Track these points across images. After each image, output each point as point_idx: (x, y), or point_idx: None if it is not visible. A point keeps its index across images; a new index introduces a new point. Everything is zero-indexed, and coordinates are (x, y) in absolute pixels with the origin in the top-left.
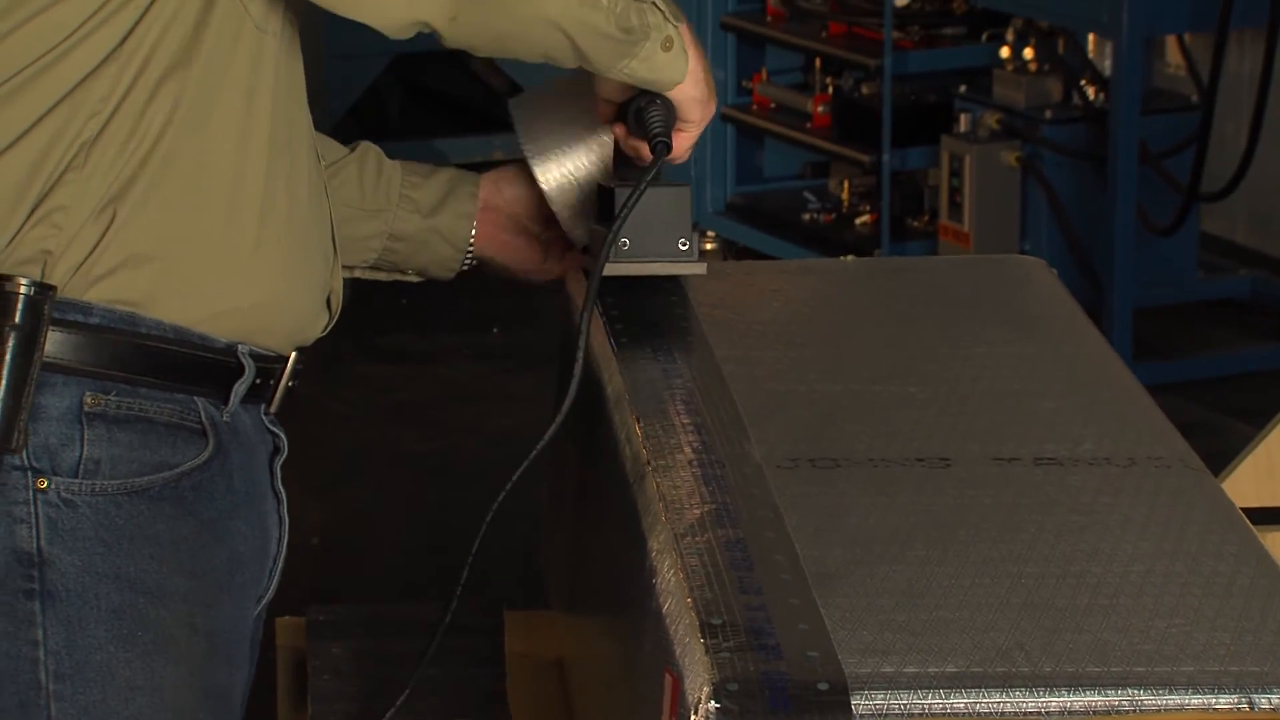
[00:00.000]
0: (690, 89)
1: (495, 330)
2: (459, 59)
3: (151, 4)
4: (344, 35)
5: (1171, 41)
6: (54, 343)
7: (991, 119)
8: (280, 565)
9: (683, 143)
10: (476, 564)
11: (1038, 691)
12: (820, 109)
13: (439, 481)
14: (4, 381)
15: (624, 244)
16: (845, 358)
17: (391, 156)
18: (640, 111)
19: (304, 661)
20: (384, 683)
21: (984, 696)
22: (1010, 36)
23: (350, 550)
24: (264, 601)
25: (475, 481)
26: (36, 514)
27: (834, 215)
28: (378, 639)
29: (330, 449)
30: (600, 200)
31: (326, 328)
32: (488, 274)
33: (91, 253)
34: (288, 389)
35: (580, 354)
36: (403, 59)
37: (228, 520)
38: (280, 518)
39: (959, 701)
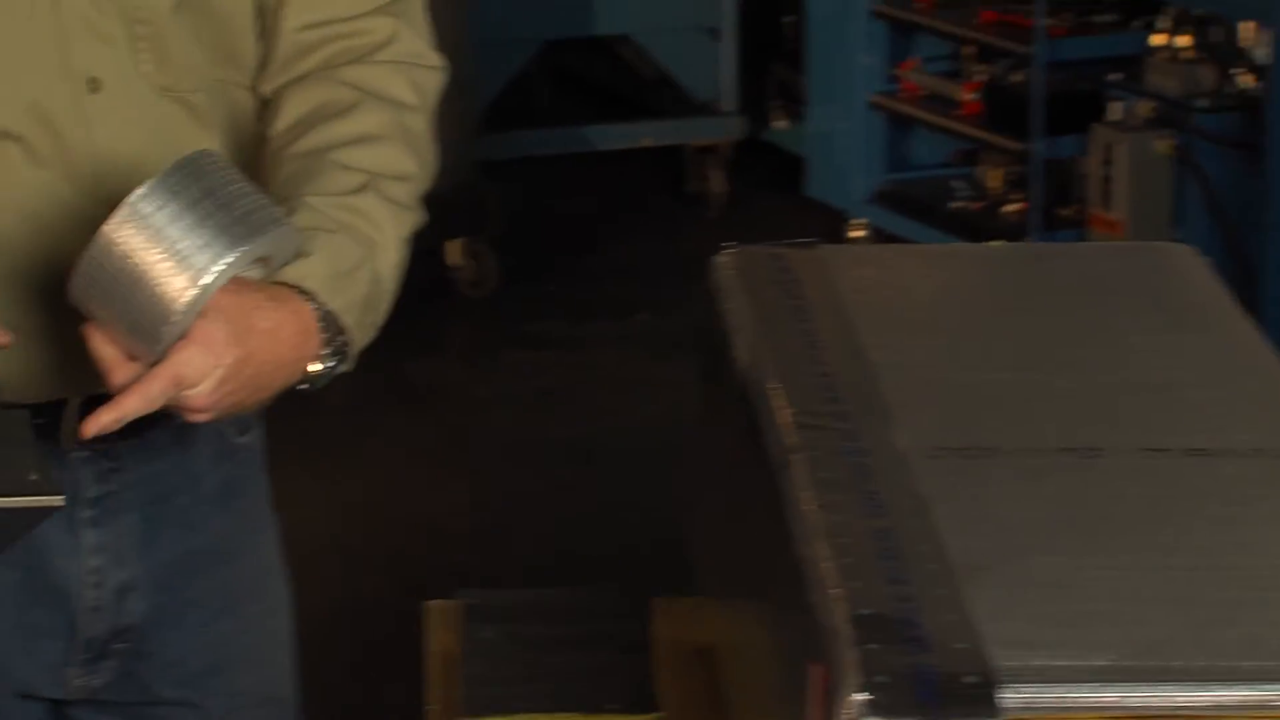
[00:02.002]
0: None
1: (642, 316)
2: (608, 46)
3: None
4: (492, 23)
5: None
6: None
7: (1144, 107)
8: (103, 617)
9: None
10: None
11: (1189, 686)
12: (970, 96)
13: (581, 467)
14: None
15: None
16: (993, 345)
17: (541, 145)
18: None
19: (454, 645)
20: (534, 667)
21: (1134, 691)
22: (1163, 24)
23: (496, 535)
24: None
25: (617, 468)
26: None
27: (982, 204)
28: (528, 623)
29: (477, 435)
30: None
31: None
32: None
33: None
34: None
35: None
36: (551, 46)
37: None
38: (84, 564)
39: (1109, 696)
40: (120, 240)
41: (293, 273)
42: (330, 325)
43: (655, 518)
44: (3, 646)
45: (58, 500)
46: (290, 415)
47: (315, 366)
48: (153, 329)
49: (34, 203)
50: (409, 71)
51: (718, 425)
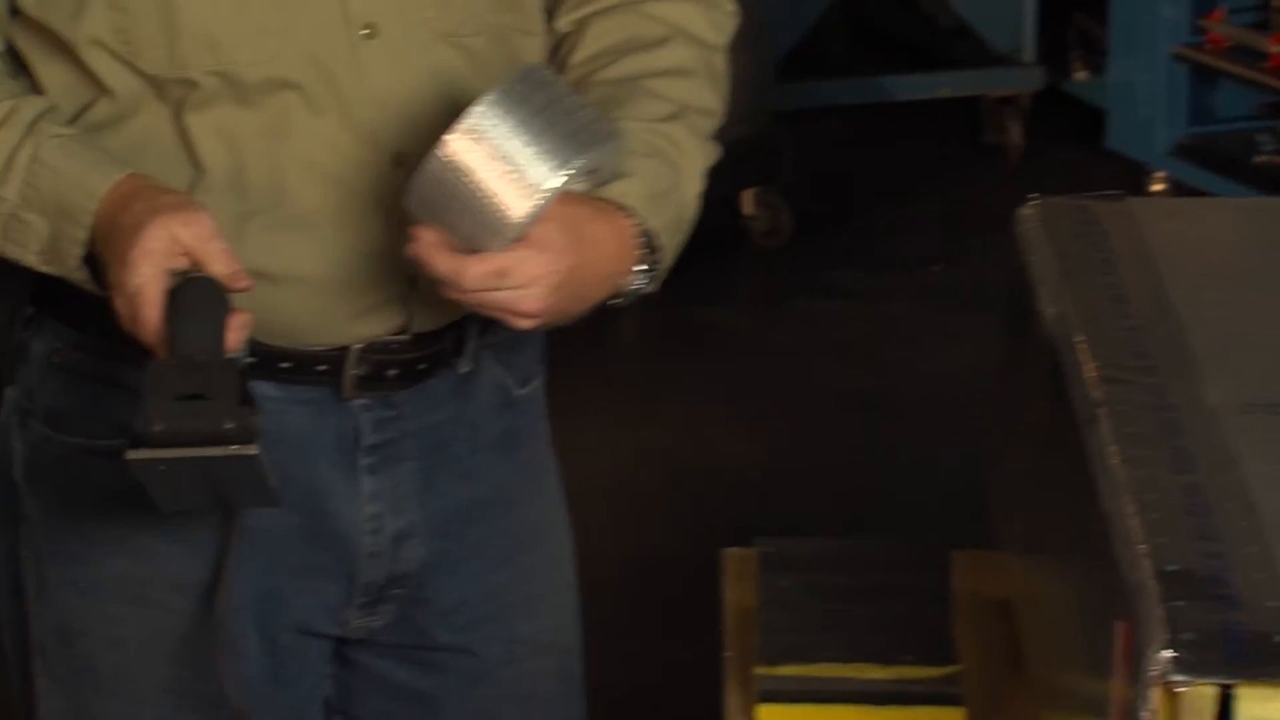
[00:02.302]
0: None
1: (937, 268)
2: None
3: None
4: None
5: None
6: (44, 290)
7: None
8: (381, 562)
9: None
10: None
11: None
12: (1278, 48)
13: (875, 419)
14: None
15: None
16: None
17: (837, 96)
18: None
19: (751, 594)
20: (831, 617)
21: None
22: None
23: (789, 485)
24: (356, 610)
25: (911, 420)
26: (20, 449)
27: None
28: (825, 573)
29: (770, 384)
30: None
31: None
32: None
33: None
34: (393, 375)
35: None
36: None
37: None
38: (363, 511)
39: None
40: (464, 150)
41: (615, 190)
42: (647, 243)
43: (951, 470)
44: (285, 585)
45: (250, 449)
46: (583, 363)
47: (629, 283)
48: (493, 236)
49: (313, 151)
50: (710, 11)
51: (1022, 379)
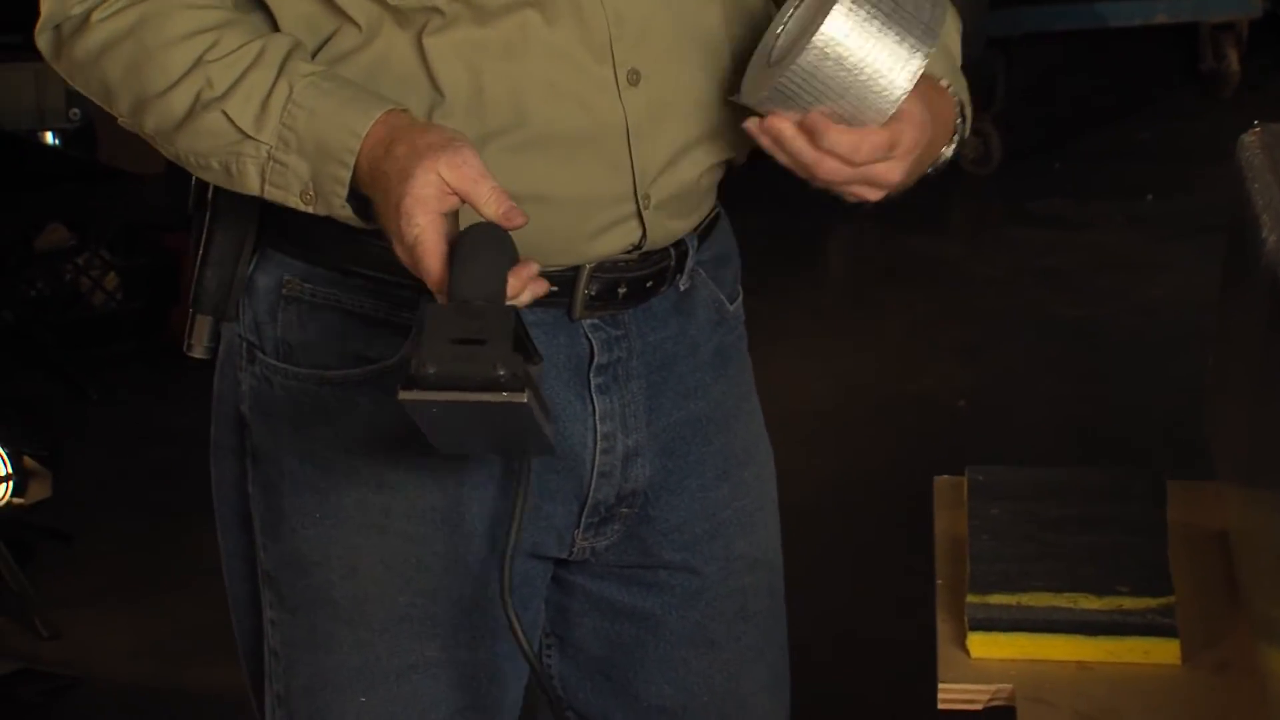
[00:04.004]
0: None
1: (1150, 197)
2: None
3: None
4: None
5: None
6: (270, 223)
7: None
8: (611, 481)
9: None
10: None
11: None
12: None
13: (1084, 348)
14: (219, 253)
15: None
16: None
17: (1051, 22)
18: None
19: (961, 522)
20: (1044, 546)
21: None
22: None
23: (996, 414)
24: (584, 524)
25: (1122, 350)
26: (247, 383)
27: None
28: (1036, 502)
29: (978, 313)
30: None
31: (639, 244)
32: None
33: None
34: (613, 295)
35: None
36: None
37: None
38: (595, 430)
39: None
40: (842, 35)
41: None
42: (959, 113)
43: (1165, 400)
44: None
45: (520, 398)
46: (793, 293)
47: (946, 153)
48: (876, 114)
49: (552, 70)
50: None
51: (1242, 309)
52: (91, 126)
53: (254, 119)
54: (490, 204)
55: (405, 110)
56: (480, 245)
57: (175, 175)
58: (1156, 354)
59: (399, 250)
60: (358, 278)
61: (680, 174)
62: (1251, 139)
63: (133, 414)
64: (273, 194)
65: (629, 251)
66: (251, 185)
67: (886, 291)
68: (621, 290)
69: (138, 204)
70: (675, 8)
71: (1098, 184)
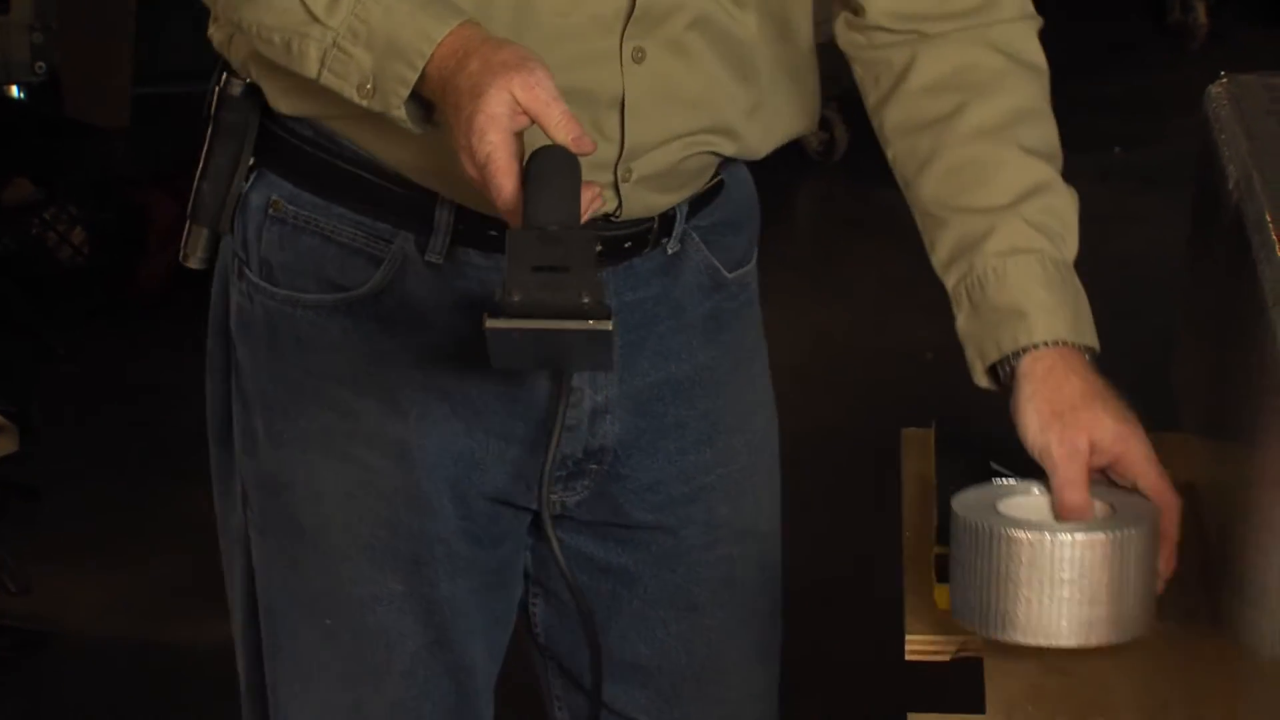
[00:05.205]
0: None
1: (1118, 150)
2: None
3: None
4: None
5: None
6: (266, 141)
7: None
8: (578, 436)
9: None
10: None
11: None
12: None
13: None
14: (215, 167)
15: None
16: None
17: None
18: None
19: (929, 474)
20: None
21: None
22: None
23: (965, 366)
24: (546, 482)
25: (1091, 302)
26: (235, 298)
27: None
28: (1005, 454)
29: None
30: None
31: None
32: None
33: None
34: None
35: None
36: None
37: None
38: (561, 382)
39: None
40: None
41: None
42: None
43: (1133, 352)
44: (480, 449)
45: (605, 325)
46: (763, 242)
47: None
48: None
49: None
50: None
51: (1209, 259)
52: (57, 80)
53: (326, 4)
54: (561, 128)
55: (479, 24)
56: (553, 170)
57: (141, 130)
58: (1126, 306)
59: (468, 167)
60: (341, 206)
61: (670, 155)
62: (1219, 90)
63: (100, 369)
64: (329, 80)
65: (602, 218)
66: (310, 69)
67: (855, 244)
68: (597, 248)
69: (105, 158)
70: (701, 7)
71: (1066, 137)
